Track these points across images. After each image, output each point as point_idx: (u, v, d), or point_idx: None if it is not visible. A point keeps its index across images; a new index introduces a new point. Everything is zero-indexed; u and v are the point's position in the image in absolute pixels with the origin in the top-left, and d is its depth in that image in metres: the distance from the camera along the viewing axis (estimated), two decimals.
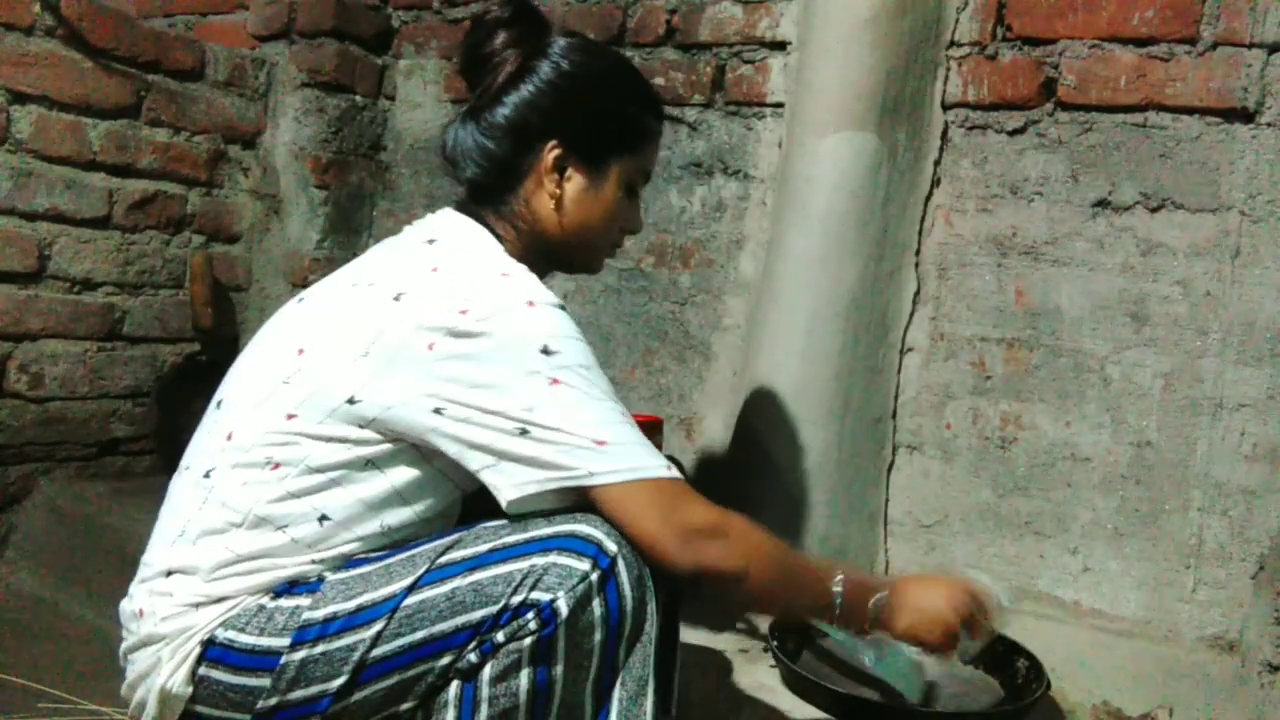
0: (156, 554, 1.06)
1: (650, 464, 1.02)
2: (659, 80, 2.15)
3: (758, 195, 2.05)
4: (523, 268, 1.09)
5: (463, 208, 1.19)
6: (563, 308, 1.05)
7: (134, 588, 1.07)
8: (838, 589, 1.10)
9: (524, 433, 0.99)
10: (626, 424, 1.03)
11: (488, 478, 1.02)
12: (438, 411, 1.01)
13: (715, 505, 1.05)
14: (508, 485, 1.01)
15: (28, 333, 2.05)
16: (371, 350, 1.02)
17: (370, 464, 1.03)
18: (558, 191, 1.17)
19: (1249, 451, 1.64)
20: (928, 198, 1.88)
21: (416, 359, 1.01)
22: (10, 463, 2.06)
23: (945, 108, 1.87)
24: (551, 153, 1.16)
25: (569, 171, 1.17)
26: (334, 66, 2.41)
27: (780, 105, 2.01)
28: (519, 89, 1.15)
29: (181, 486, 1.08)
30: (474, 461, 1.02)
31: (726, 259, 2.09)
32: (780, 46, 2.02)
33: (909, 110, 1.82)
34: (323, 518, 1.02)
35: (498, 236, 1.16)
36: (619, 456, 1.00)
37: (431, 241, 1.13)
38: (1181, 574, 1.68)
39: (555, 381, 1.00)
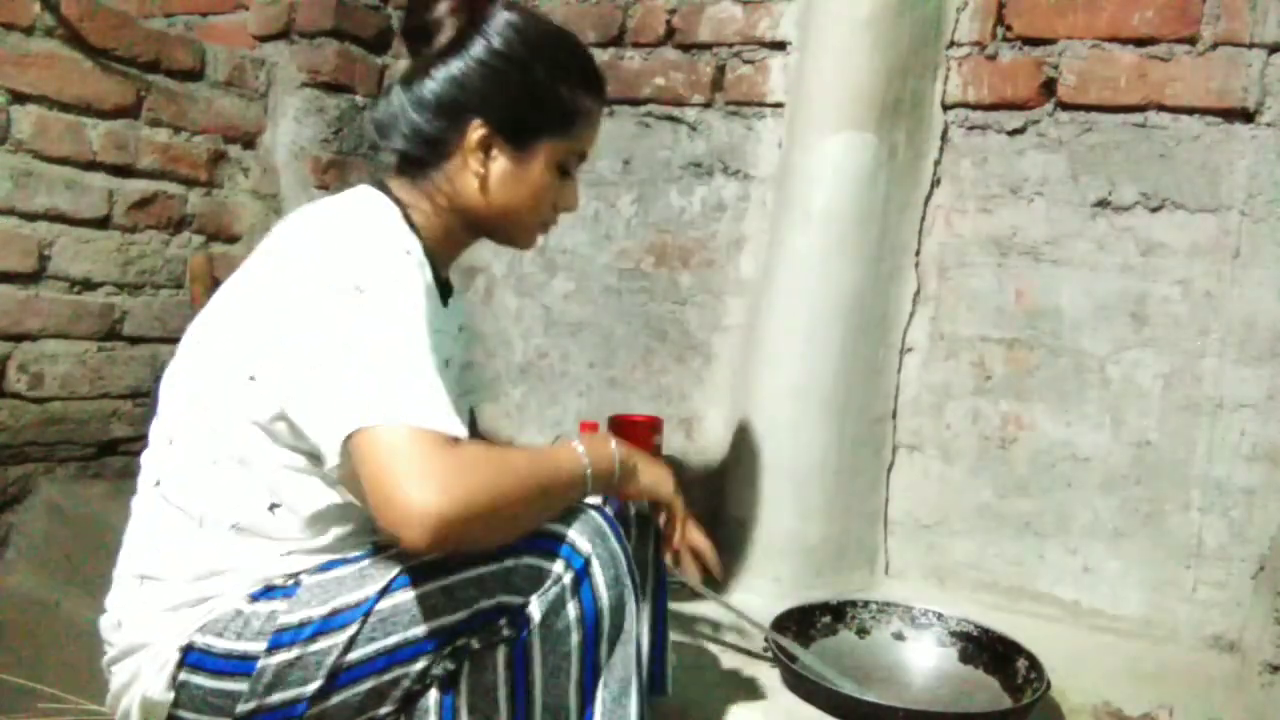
0: (127, 566, 1.06)
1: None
2: (659, 80, 2.15)
3: (758, 195, 2.05)
4: (380, 215, 1.06)
5: (378, 182, 1.16)
6: (409, 253, 1.00)
7: (109, 600, 1.07)
8: (588, 471, 1.03)
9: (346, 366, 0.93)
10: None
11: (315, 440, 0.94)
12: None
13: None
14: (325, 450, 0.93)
15: (28, 333, 2.05)
16: (253, 323, 1.01)
17: (291, 445, 1.00)
18: (482, 171, 1.12)
19: (1249, 451, 1.64)
20: (928, 198, 1.88)
21: (274, 317, 0.98)
22: (10, 463, 2.06)
23: (945, 108, 1.87)
24: (476, 132, 1.10)
25: (494, 152, 1.12)
26: (334, 66, 2.41)
27: (780, 105, 2.01)
28: (449, 63, 1.11)
29: (139, 499, 1.08)
30: (303, 421, 0.95)
31: (726, 259, 2.09)
32: (780, 46, 2.02)
33: (909, 110, 1.82)
34: (273, 505, 1.01)
35: (401, 203, 1.12)
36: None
37: (306, 212, 1.09)
38: (1181, 574, 1.68)
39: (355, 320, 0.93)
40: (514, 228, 1.19)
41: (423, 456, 0.86)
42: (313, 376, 0.93)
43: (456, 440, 0.89)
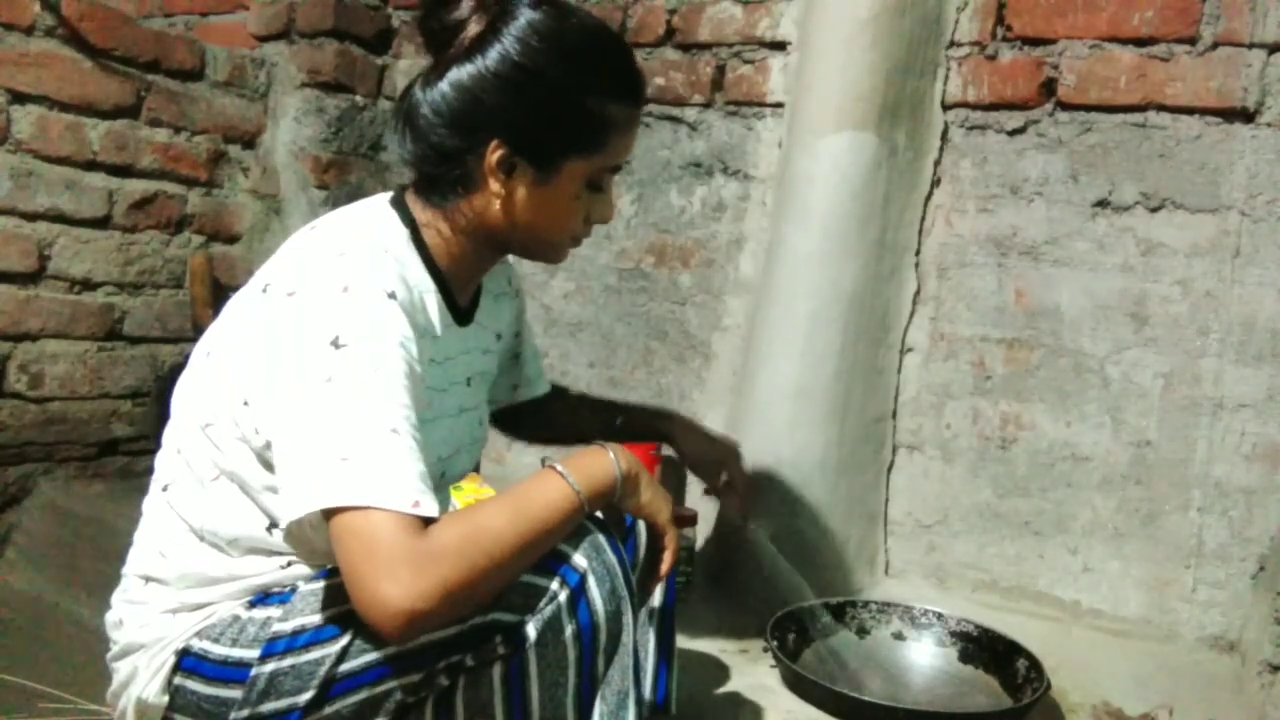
0: (133, 565, 1.06)
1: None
2: (659, 80, 2.15)
3: (758, 195, 2.05)
4: (371, 248, 0.98)
5: (395, 196, 1.10)
6: (392, 296, 0.94)
7: (114, 597, 1.07)
8: (582, 501, 0.97)
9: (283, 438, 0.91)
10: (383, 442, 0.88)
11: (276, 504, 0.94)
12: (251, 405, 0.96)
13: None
14: (282, 516, 0.90)
15: (28, 333, 2.05)
16: (248, 349, 0.98)
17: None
18: (503, 193, 1.04)
19: (1249, 451, 1.64)
20: (928, 198, 1.88)
21: (262, 352, 0.95)
22: (10, 463, 2.06)
23: (945, 108, 1.87)
24: (494, 154, 1.02)
25: (516, 172, 1.04)
26: (334, 66, 2.41)
27: (780, 105, 2.01)
28: (464, 69, 1.01)
29: (149, 501, 1.08)
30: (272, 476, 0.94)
31: (726, 259, 2.09)
32: (780, 46, 2.02)
33: (909, 110, 1.82)
34: (270, 526, 1.00)
35: (415, 222, 1.07)
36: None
37: (313, 228, 1.04)
38: (1181, 574, 1.68)
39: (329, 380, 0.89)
40: (542, 246, 1.12)
41: (391, 549, 0.83)
42: (286, 437, 0.90)
43: (427, 523, 0.86)
